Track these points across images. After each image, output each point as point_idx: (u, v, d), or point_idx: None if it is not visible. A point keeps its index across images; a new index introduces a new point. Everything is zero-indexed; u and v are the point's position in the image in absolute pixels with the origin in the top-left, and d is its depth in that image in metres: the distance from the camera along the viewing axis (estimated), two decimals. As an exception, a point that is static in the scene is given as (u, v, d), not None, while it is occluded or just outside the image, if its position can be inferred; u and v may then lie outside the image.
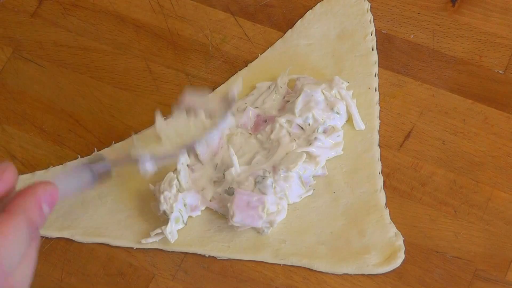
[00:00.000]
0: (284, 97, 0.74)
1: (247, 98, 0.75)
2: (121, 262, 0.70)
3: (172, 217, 0.68)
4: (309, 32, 0.78)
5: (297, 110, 0.71)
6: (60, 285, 0.70)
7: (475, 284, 0.67)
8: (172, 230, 0.69)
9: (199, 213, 0.71)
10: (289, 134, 0.72)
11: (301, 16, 0.79)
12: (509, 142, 0.72)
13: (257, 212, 0.68)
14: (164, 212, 0.69)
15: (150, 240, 0.70)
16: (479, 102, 0.73)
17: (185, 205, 0.69)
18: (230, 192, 0.69)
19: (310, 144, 0.71)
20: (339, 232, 0.70)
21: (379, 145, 0.72)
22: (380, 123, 0.73)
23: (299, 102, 0.72)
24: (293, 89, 0.74)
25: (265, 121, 0.73)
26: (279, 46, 0.78)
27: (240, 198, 0.68)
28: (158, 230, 0.69)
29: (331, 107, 0.72)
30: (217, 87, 0.76)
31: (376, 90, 0.75)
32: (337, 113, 0.72)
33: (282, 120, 0.72)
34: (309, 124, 0.72)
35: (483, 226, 0.69)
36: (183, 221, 0.70)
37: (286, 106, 0.73)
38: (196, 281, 0.69)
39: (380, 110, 0.74)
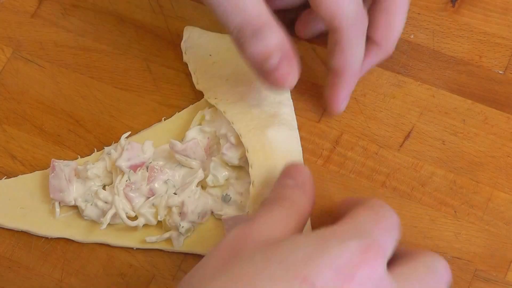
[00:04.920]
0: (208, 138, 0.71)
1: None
2: (121, 262, 0.70)
3: (183, 230, 0.68)
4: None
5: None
6: (60, 285, 0.70)
7: (475, 284, 0.67)
8: (181, 240, 0.69)
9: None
10: None
11: (301, 16, 0.78)
12: (509, 142, 0.72)
13: None
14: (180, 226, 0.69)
15: (154, 239, 0.69)
16: (479, 102, 0.73)
17: (198, 216, 0.69)
18: (227, 199, 0.69)
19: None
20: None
21: (379, 146, 0.72)
22: (380, 123, 0.73)
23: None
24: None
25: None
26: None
27: (228, 226, 0.67)
28: (167, 235, 0.69)
29: None
30: (217, 87, 0.76)
31: None
32: None
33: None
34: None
35: (483, 226, 0.69)
36: (192, 230, 0.70)
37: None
38: (196, 281, 0.69)
39: (380, 110, 0.74)
